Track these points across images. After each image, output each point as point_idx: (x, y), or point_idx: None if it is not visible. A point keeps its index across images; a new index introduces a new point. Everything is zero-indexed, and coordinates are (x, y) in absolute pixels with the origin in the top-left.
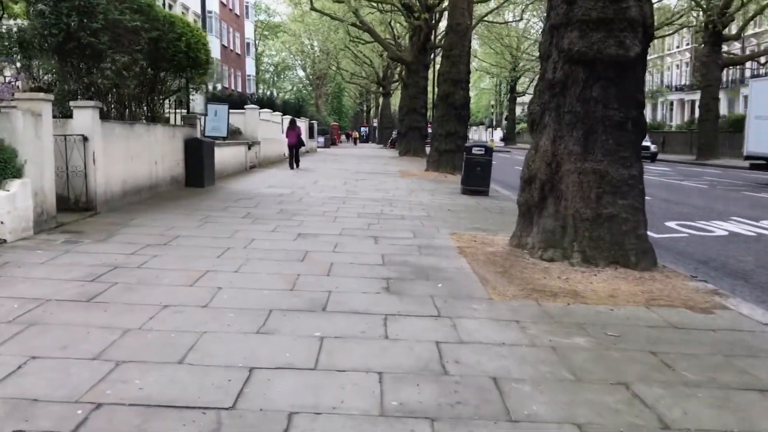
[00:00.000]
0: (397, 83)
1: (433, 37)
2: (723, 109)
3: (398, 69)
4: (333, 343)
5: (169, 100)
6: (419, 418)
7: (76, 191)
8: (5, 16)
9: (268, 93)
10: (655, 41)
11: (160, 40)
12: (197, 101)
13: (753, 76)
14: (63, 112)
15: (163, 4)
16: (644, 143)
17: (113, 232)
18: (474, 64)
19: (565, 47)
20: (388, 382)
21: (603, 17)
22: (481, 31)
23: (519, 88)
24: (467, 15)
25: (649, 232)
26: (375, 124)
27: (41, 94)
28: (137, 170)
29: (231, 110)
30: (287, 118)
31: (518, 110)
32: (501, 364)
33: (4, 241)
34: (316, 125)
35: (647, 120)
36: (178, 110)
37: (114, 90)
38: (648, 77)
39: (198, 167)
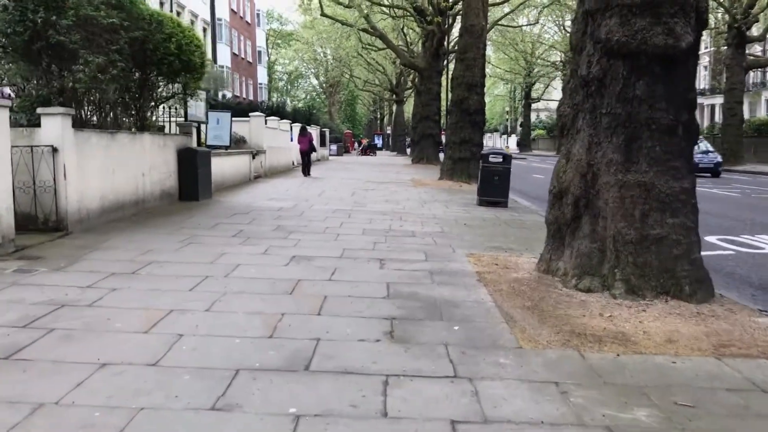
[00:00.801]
0: (410, 90)
1: (446, 42)
2: (744, 113)
3: (411, 76)
4: (312, 425)
5: (166, 108)
6: None
7: (45, 209)
8: None
9: (281, 101)
10: None
11: (147, 41)
12: (196, 108)
13: None
14: (32, 121)
15: (171, 11)
16: (708, 151)
17: (78, 257)
18: (488, 70)
19: (603, 37)
20: None
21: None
22: (495, 37)
23: (534, 95)
24: (482, 16)
25: None
26: (388, 131)
27: None
28: (119, 184)
29: (238, 118)
30: (297, 126)
31: (533, 116)
32: None
33: None
34: (327, 133)
35: None
36: (174, 118)
37: (91, 95)
38: None
39: (192, 179)
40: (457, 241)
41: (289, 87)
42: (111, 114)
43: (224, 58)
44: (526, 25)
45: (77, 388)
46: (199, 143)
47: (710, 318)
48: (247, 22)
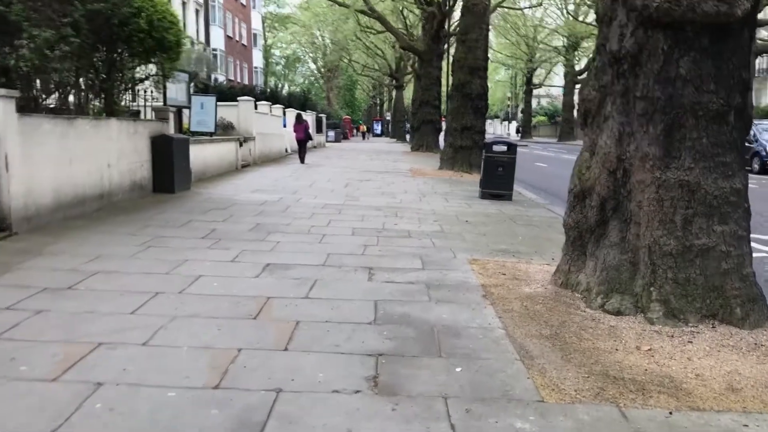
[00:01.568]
0: (410, 75)
1: (447, 24)
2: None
3: (411, 61)
4: None
5: (142, 92)
6: None
7: None
8: None
9: (277, 85)
10: None
11: (112, 16)
12: (177, 91)
13: None
14: None
15: None
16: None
17: (10, 266)
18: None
19: (639, 4)
20: None
21: None
22: (497, 21)
23: (535, 80)
24: None
25: None
26: (388, 117)
27: None
28: (79, 176)
29: (225, 103)
30: (292, 112)
31: (534, 103)
32: None
33: None
34: (324, 119)
35: None
36: (152, 103)
37: (47, 75)
38: None
39: (167, 169)
40: (458, 242)
41: (286, 71)
42: (75, 97)
43: (218, 40)
44: (528, 7)
45: None
46: (181, 129)
47: None
48: (242, 3)
